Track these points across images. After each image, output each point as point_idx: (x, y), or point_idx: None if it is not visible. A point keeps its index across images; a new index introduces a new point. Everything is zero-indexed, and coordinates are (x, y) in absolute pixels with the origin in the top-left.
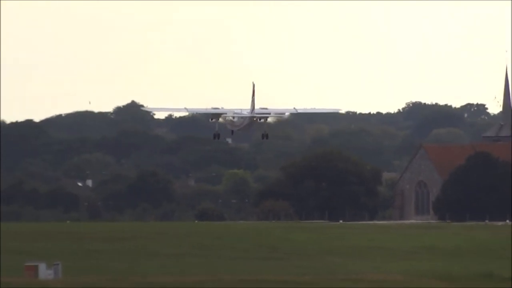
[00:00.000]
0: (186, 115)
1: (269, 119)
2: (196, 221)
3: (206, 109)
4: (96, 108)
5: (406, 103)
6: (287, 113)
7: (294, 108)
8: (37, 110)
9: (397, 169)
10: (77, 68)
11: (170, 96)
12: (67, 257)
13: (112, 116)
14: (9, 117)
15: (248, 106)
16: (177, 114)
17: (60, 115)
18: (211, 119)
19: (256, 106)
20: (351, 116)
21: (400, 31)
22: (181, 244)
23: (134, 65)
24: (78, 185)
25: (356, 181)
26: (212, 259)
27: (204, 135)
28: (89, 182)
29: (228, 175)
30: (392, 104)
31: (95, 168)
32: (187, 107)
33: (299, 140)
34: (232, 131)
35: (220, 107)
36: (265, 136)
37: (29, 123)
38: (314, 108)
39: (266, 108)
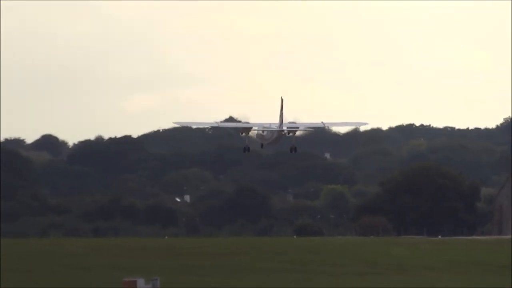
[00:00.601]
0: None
1: (298, 133)
2: (295, 237)
3: (237, 123)
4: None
5: (504, 119)
6: (314, 127)
7: (322, 122)
8: (135, 125)
9: (495, 184)
10: (176, 82)
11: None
12: (165, 273)
13: (210, 132)
14: (108, 133)
15: (276, 120)
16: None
17: (158, 131)
18: (241, 133)
19: (285, 120)
20: (449, 131)
21: (495, 44)
22: (279, 259)
23: (231, 80)
24: (176, 200)
25: (454, 196)
26: (310, 275)
27: (302, 151)
28: (187, 198)
29: (326, 190)
30: (490, 119)
31: (193, 184)
32: (218, 121)
33: (397, 155)
34: (262, 145)
35: (249, 122)
36: (293, 149)
37: (127, 138)
38: (341, 122)
39: (295, 122)
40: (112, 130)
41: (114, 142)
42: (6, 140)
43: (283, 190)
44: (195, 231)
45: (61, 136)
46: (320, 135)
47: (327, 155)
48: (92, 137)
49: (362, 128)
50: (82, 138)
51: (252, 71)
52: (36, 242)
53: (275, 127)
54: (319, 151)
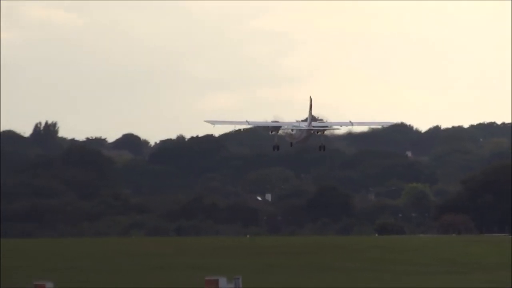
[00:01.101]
0: (367, 130)
1: (326, 132)
2: (376, 235)
3: (266, 122)
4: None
5: None
6: (343, 126)
7: (350, 121)
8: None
9: None
10: (258, 81)
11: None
12: (247, 271)
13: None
14: (189, 132)
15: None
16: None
17: (239, 130)
18: (271, 132)
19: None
20: None
21: None
22: (361, 258)
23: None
24: (257, 199)
25: None
26: (391, 274)
27: (384, 149)
28: (269, 197)
29: (408, 189)
30: None
31: (274, 183)
32: (249, 120)
33: (478, 153)
34: (291, 143)
35: (279, 121)
36: (322, 148)
37: (209, 138)
38: (369, 122)
39: (323, 121)
40: (193, 129)
41: (196, 141)
42: (88, 139)
43: (365, 189)
44: (277, 230)
45: (143, 135)
46: (401, 134)
47: (408, 154)
48: (173, 136)
49: (443, 126)
50: (163, 137)
51: (334, 70)
52: (117, 242)
53: (304, 126)
54: (401, 149)
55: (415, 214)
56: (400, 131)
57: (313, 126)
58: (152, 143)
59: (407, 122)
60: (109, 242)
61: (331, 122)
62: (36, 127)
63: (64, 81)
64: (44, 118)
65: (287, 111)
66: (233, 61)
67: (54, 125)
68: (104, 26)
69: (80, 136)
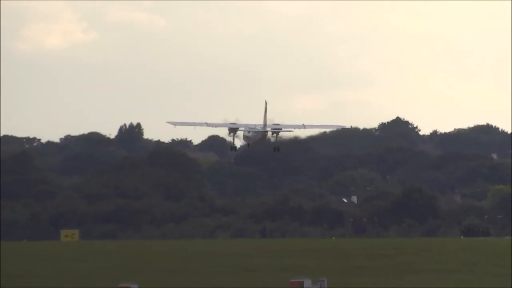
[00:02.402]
0: (451, 131)
1: (280, 134)
2: (462, 237)
3: (225, 123)
4: (361, 125)
5: None
6: (295, 129)
7: (302, 124)
8: None
9: None
10: (342, 84)
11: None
12: (332, 273)
13: (377, 133)
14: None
15: (261, 121)
16: (442, 130)
17: (325, 132)
18: (229, 133)
19: (270, 122)
20: None
21: None
22: (447, 260)
23: (395, 81)
24: (343, 201)
25: None
26: (477, 276)
27: (469, 151)
28: (354, 199)
29: (494, 191)
30: None
31: (360, 185)
32: (208, 121)
33: None
34: (248, 144)
35: (236, 123)
36: (276, 149)
37: (295, 140)
38: (320, 125)
39: (278, 124)
40: None
41: (281, 143)
42: (174, 141)
43: (450, 191)
44: (362, 231)
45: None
46: (486, 135)
47: (494, 155)
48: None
49: None
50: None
51: (414, 72)
52: (202, 243)
53: (259, 128)
54: (486, 151)
55: (501, 216)
56: (486, 132)
57: (268, 129)
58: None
59: (493, 124)
60: (194, 244)
61: (284, 125)
62: (121, 129)
63: (149, 83)
64: (129, 120)
65: (363, 113)
66: (314, 63)
67: (139, 126)
68: (187, 27)
69: (166, 138)
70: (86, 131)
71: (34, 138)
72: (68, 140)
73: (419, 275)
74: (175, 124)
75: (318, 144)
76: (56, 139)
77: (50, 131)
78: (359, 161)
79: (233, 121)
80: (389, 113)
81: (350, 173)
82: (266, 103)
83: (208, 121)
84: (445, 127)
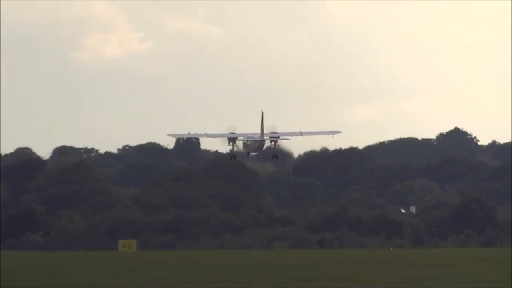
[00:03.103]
0: (510, 141)
1: (278, 141)
2: None
3: (224, 134)
4: (419, 135)
5: None
6: (293, 136)
7: (300, 131)
8: (360, 137)
9: None
10: (399, 94)
11: None
12: (390, 283)
13: (435, 143)
14: (333, 144)
15: (258, 130)
16: (500, 141)
17: (383, 142)
18: (229, 143)
19: (269, 130)
20: None
21: None
22: (505, 270)
23: (453, 92)
24: (401, 211)
25: None
26: None
27: None
28: (413, 209)
29: None
30: None
31: (418, 195)
32: (208, 132)
33: None
34: (248, 153)
35: (235, 132)
36: (275, 156)
37: (352, 150)
38: (318, 131)
39: (276, 132)
40: (337, 141)
41: (339, 153)
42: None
43: (509, 201)
44: (420, 242)
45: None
46: None
47: None
48: (317, 148)
49: None
50: (307, 149)
51: (473, 82)
52: (261, 254)
53: (257, 137)
54: None
55: None
56: None
57: (266, 137)
58: (295, 155)
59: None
60: (252, 254)
61: (282, 133)
62: (179, 140)
63: (206, 92)
64: (187, 130)
65: (422, 123)
66: (372, 73)
67: (196, 137)
68: (242, 36)
69: (224, 148)
70: (144, 142)
71: (92, 149)
72: (126, 151)
73: (478, 285)
74: (175, 136)
75: (376, 154)
76: (114, 149)
77: (108, 141)
78: (418, 171)
79: (231, 131)
80: (448, 124)
81: (408, 183)
82: (262, 112)
83: (208, 132)
84: (504, 138)
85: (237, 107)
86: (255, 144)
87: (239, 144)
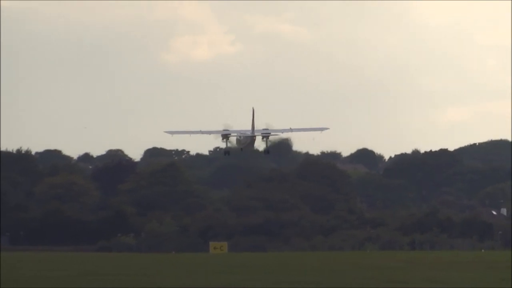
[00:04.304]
0: None
1: (270, 137)
2: None
3: (218, 130)
4: (510, 137)
5: None
6: (283, 132)
7: (290, 128)
8: (450, 139)
9: None
10: (490, 96)
11: None
12: (481, 286)
13: None
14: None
15: (249, 127)
16: None
17: (474, 144)
18: (222, 139)
19: (259, 127)
20: None
21: None
22: None
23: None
24: (492, 213)
25: None
26: None
27: None
28: (504, 211)
29: None
30: None
31: (509, 197)
32: (202, 129)
33: None
34: (241, 148)
35: (228, 129)
36: (267, 152)
37: (443, 152)
38: (307, 128)
39: (267, 129)
40: (428, 143)
41: (430, 155)
42: (323, 153)
43: None
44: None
45: (377, 149)
46: None
47: None
48: (408, 150)
49: None
50: (398, 152)
51: None
52: (352, 255)
53: (249, 133)
54: None
55: None
56: None
57: (257, 133)
58: (386, 157)
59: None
60: (343, 256)
61: (273, 129)
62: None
63: (295, 94)
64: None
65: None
66: (461, 75)
67: (288, 139)
68: (331, 38)
69: (315, 150)
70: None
71: (183, 150)
72: (217, 153)
73: None
74: (172, 133)
75: (467, 156)
76: (205, 151)
77: (199, 143)
78: (508, 173)
79: (225, 128)
80: None
81: (499, 185)
82: (253, 110)
83: (203, 129)
84: None
85: (325, 107)
86: (246, 140)
87: (233, 140)
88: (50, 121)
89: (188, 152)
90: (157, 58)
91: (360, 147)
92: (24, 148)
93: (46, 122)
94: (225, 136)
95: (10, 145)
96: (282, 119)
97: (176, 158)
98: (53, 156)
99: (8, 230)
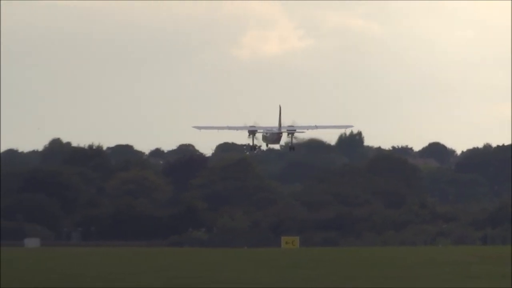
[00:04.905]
0: None
1: (295, 134)
2: None
3: (245, 126)
4: None
5: None
6: (309, 129)
7: (315, 125)
8: None
9: None
10: None
11: None
12: None
13: None
14: (495, 141)
15: (276, 124)
16: None
17: None
18: (249, 135)
19: (285, 124)
20: None
21: None
22: None
23: None
24: None
25: None
26: None
27: None
28: None
29: None
30: None
31: None
32: (229, 125)
33: None
34: (267, 144)
35: (255, 125)
36: (292, 148)
37: None
38: (332, 125)
39: (293, 126)
40: (499, 137)
41: (502, 149)
42: (394, 148)
43: None
44: None
45: (449, 144)
46: None
47: None
48: (480, 144)
49: None
50: (470, 146)
51: None
52: (424, 250)
53: (275, 130)
54: None
55: None
56: None
57: (284, 130)
58: (458, 151)
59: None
60: (414, 251)
61: (298, 126)
62: (342, 136)
63: (365, 89)
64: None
65: None
66: None
67: (359, 133)
68: (403, 34)
69: (386, 145)
70: (306, 138)
71: (255, 145)
72: (287, 148)
73: None
74: (200, 128)
75: None
76: (276, 146)
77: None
78: None
79: (252, 124)
80: None
81: None
82: (280, 107)
83: (230, 125)
84: None
85: (395, 102)
86: (273, 136)
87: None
88: (121, 116)
89: (260, 146)
90: (227, 53)
91: (432, 141)
92: (96, 144)
93: (117, 117)
94: (252, 133)
95: (81, 140)
96: (349, 113)
97: (247, 153)
98: (124, 151)
99: (80, 225)
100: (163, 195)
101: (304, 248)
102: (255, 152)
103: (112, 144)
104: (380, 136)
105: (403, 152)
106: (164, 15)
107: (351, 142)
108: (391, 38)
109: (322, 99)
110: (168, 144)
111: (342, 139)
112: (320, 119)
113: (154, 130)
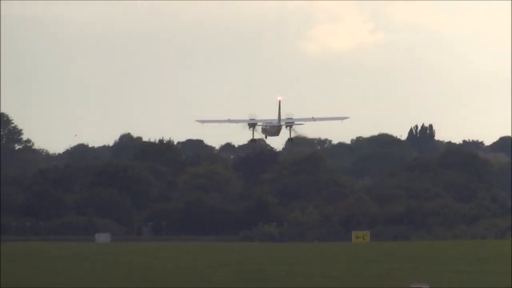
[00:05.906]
0: None
1: (293, 127)
2: None
3: (245, 119)
4: None
5: None
6: (307, 122)
7: (312, 117)
8: None
9: None
10: None
11: None
12: None
13: None
14: None
15: (275, 116)
16: None
17: None
18: (249, 128)
19: (283, 116)
20: None
21: None
22: None
23: None
24: None
25: None
26: None
27: None
28: None
29: None
30: None
31: None
32: (231, 118)
33: None
34: (266, 136)
35: (255, 118)
36: (290, 140)
37: None
38: (329, 117)
39: (291, 118)
40: None
41: None
42: (465, 142)
43: None
44: None
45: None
46: None
47: None
48: None
49: None
50: None
51: None
52: (495, 244)
53: (275, 123)
54: None
55: None
56: None
57: (282, 122)
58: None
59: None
60: (485, 245)
61: (296, 119)
62: (412, 130)
63: (437, 85)
64: (420, 121)
65: None
66: None
67: (430, 128)
68: (469, 28)
69: (457, 139)
70: (376, 133)
71: (326, 140)
72: (359, 142)
73: None
74: (203, 122)
75: None
76: (347, 140)
77: (341, 132)
78: None
79: (252, 117)
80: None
81: None
82: (279, 101)
83: (231, 118)
84: None
85: (465, 96)
86: (272, 129)
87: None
88: (191, 111)
89: (330, 141)
90: (296, 47)
91: (503, 135)
92: (166, 138)
93: (188, 112)
94: (252, 125)
95: (152, 135)
96: (420, 107)
97: (318, 147)
98: (195, 146)
99: (150, 220)
100: (234, 189)
101: (375, 242)
102: (255, 143)
103: (182, 138)
104: (451, 130)
105: (474, 146)
106: (233, 11)
107: (422, 136)
108: (461, 35)
109: (398, 95)
110: (238, 139)
111: (413, 133)
112: (389, 113)
113: (223, 125)
